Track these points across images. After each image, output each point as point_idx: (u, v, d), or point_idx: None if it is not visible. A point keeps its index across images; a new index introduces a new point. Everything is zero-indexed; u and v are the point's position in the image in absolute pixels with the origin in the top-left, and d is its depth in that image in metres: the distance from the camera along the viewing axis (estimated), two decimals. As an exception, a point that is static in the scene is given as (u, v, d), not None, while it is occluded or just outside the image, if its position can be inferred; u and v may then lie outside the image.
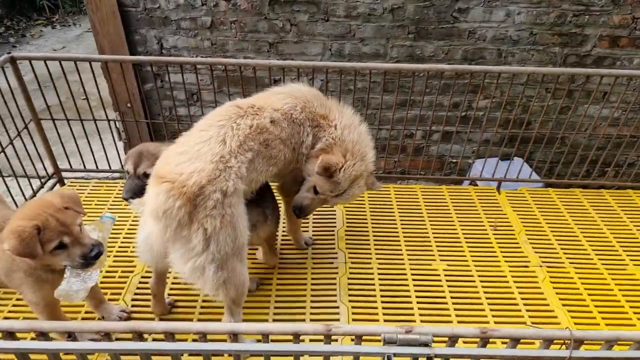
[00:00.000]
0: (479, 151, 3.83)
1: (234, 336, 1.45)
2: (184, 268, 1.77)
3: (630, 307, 2.34)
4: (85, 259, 1.63)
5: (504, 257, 2.62)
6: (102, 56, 3.19)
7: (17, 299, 2.23)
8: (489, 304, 2.33)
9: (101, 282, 2.34)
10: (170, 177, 1.69)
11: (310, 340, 1.94)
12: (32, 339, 1.78)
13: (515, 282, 2.46)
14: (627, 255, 2.65)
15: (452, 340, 1.48)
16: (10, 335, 1.40)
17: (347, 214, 2.88)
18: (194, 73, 3.44)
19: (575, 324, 2.24)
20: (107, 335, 1.45)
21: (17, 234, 1.51)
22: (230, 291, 1.85)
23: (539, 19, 3.29)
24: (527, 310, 2.31)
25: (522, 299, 2.37)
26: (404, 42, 3.40)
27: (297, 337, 1.46)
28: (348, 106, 2.21)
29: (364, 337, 1.47)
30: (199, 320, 2.18)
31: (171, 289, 2.31)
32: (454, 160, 3.98)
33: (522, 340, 1.45)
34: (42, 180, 2.97)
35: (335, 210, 2.89)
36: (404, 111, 3.60)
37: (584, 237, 2.77)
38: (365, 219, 2.85)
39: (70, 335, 1.67)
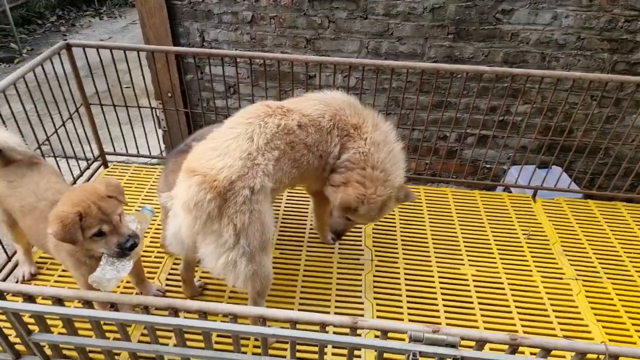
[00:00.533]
0: (515, 158, 3.73)
1: (263, 320, 1.49)
2: (216, 263, 1.79)
3: (671, 327, 2.24)
4: (121, 249, 1.68)
5: (536, 266, 2.54)
6: (150, 46, 3.31)
7: (63, 270, 2.36)
8: (518, 313, 2.28)
9: (136, 263, 2.45)
10: (202, 171, 1.72)
11: (334, 333, 1.95)
12: (77, 306, 1.88)
13: (547, 293, 2.39)
14: (670, 274, 2.53)
15: (480, 344, 1.46)
16: (59, 301, 1.49)
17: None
18: (233, 66, 3.52)
19: (610, 340, 2.15)
20: (145, 309, 1.52)
21: (60, 219, 1.58)
22: (256, 283, 1.88)
23: (587, 23, 3.17)
24: (559, 323, 2.24)
25: (554, 310, 2.30)
26: (442, 42, 3.35)
27: (323, 327, 1.48)
28: (387, 121, 2.16)
29: (388, 334, 1.47)
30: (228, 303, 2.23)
31: (203, 271, 2.38)
32: (488, 166, 3.89)
33: (552, 353, 1.42)
34: (89, 162, 3.12)
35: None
36: (438, 112, 3.56)
37: (625, 252, 2.66)
38: (394, 219, 2.83)
39: (113, 306, 1.76)
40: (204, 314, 1.49)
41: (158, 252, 2.51)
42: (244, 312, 1.52)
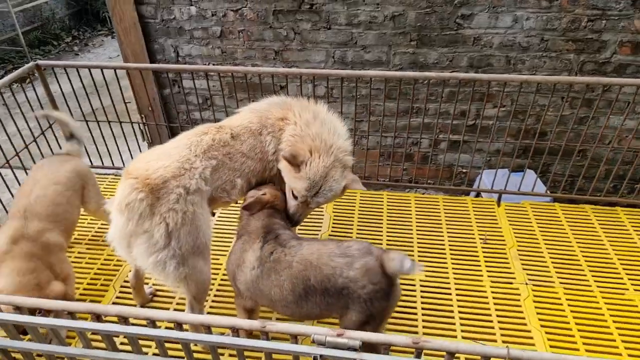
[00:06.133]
0: (490, 162, 3.69)
1: (208, 328, 1.52)
2: (146, 262, 1.84)
3: (620, 334, 2.17)
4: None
5: (488, 271, 2.52)
6: (116, 64, 3.42)
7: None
8: (460, 318, 2.27)
9: (98, 269, 2.59)
10: (136, 173, 1.80)
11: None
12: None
13: (494, 297, 2.37)
14: (629, 279, 2.45)
15: (385, 347, 1.48)
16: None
17: (334, 219, 2.91)
18: (205, 79, 3.65)
19: (551, 346, 2.11)
20: (70, 314, 1.58)
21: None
22: (190, 287, 1.92)
23: (549, 25, 3.13)
24: (501, 329, 2.21)
25: (498, 315, 2.27)
26: (406, 50, 3.37)
27: (234, 330, 1.52)
28: (317, 102, 2.14)
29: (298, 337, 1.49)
30: (176, 310, 2.31)
31: (155, 280, 2.48)
32: (465, 170, 3.86)
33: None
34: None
35: (322, 211, 2.94)
36: (408, 119, 3.56)
37: (584, 256, 2.60)
38: (352, 224, 2.86)
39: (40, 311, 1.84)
40: (152, 322, 1.48)
41: (117, 260, 2.63)
42: (185, 319, 1.50)
